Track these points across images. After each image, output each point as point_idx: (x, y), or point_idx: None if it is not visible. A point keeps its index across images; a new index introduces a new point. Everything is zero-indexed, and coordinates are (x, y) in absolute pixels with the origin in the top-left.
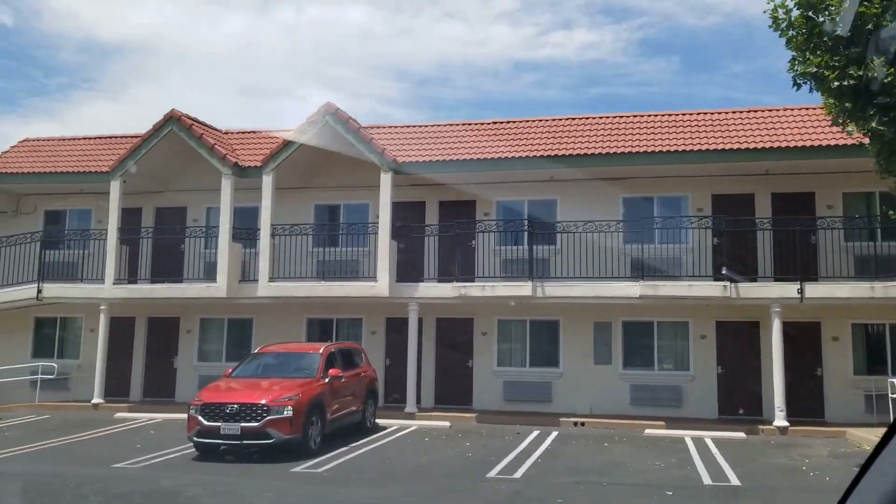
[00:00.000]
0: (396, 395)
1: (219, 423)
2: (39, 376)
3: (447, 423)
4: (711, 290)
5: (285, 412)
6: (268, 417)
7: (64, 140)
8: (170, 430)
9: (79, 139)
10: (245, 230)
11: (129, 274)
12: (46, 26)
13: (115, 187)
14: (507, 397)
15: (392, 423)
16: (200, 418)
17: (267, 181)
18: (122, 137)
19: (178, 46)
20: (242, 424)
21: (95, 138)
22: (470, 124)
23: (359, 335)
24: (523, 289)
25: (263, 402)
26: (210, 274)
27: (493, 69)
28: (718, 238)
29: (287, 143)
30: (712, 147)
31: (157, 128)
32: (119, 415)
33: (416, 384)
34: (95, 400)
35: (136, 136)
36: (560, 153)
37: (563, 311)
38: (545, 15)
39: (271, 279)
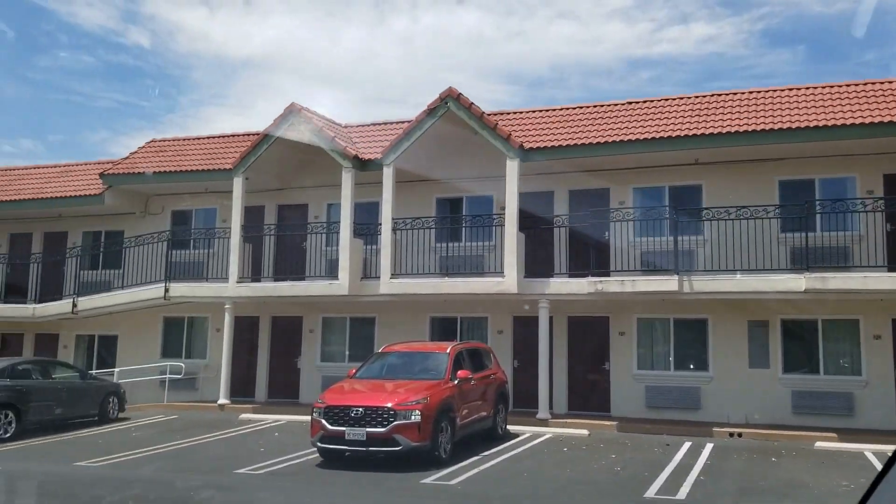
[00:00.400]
0: (526, 399)
1: (343, 428)
2: (168, 376)
3: (585, 432)
4: (890, 283)
5: (413, 417)
6: (394, 422)
7: (188, 140)
8: (293, 433)
9: (203, 138)
10: (366, 225)
11: (253, 272)
12: (180, 47)
13: (237, 184)
14: (649, 403)
15: (524, 431)
16: (324, 422)
17: (387, 173)
18: (244, 135)
19: (299, 61)
20: (368, 430)
21: (218, 137)
22: (601, 105)
23: (484, 335)
24: (668, 283)
25: (389, 405)
26: (332, 272)
27: (607, 68)
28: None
29: (408, 133)
30: (886, 119)
31: (278, 122)
32: (244, 416)
33: (548, 388)
34: (221, 401)
35: (259, 134)
36: (708, 132)
37: (712, 309)
38: (661, 10)
39: (393, 275)
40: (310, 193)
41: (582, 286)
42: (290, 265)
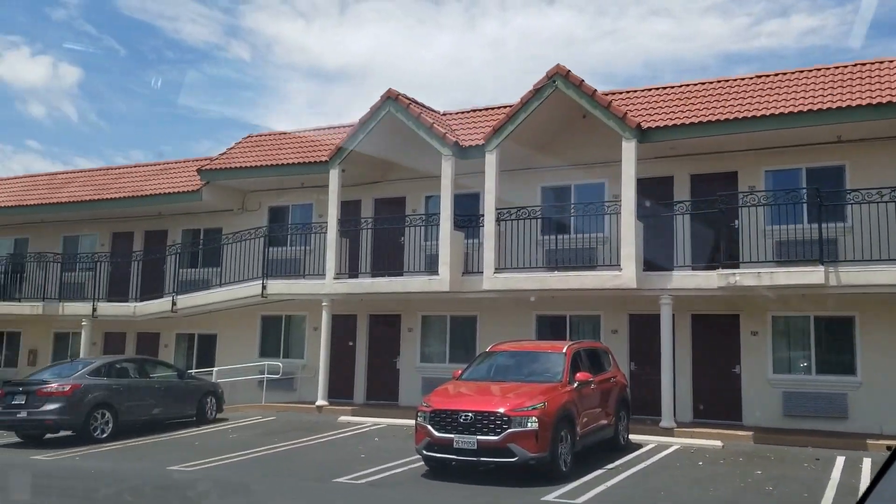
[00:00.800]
0: (645, 405)
1: (451, 435)
2: (266, 376)
3: (718, 443)
4: None
5: (529, 424)
6: (509, 430)
7: (285, 134)
8: (395, 438)
9: (299, 132)
10: (466, 217)
11: (350, 268)
12: (278, 59)
13: (334, 176)
14: (786, 411)
15: (647, 441)
16: (430, 428)
17: (490, 160)
18: (340, 128)
19: (391, 68)
20: (479, 437)
21: (314, 130)
22: (726, 80)
23: (596, 335)
24: (812, 275)
25: (502, 410)
26: (431, 267)
27: (702, 64)
28: None
29: (513, 116)
30: None
31: (375, 110)
32: (343, 418)
33: (671, 393)
34: (319, 402)
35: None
36: (855, 104)
37: (859, 304)
38: (759, 4)
39: (497, 270)
40: (407, 185)
41: (710, 280)
42: (388, 261)
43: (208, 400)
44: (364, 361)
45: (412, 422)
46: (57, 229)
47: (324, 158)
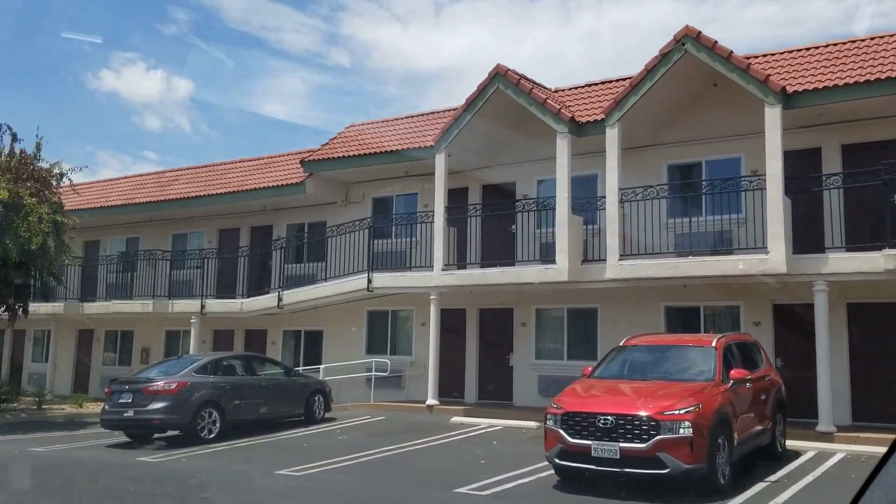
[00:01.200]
0: (794, 407)
1: (588, 442)
2: (373, 374)
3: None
4: None
5: (682, 430)
6: (658, 437)
7: (387, 121)
8: (514, 442)
9: (401, 118)
10: (584, 199)
11: (458, 259)
12: (376, 64)
13: (440, 161)
14: None
15: (804, 448)
16: (563, 433)
17: (611, 135)
18: (445, 112)
19: (486, 67)
20: (622, 445)
21: (418, 116)
22: (882, 37)
23: (735, 328)
24: None
25: (649, 414)
26: (546, 255)
27: None
28: None
29: (636, 86)
30: None
31: (482, 88)
32: (455, 419)
33: (829, 393)
34: (430, 401)
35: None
36: None
37: None
38: None
39: (622, 256)
40: (517, 170)
41: (874, 262)
42: (498, 251)
43: (316, 399)
44: (475, 358)
45: (530, 424)
46: (165, 228)
47: (429, 143)
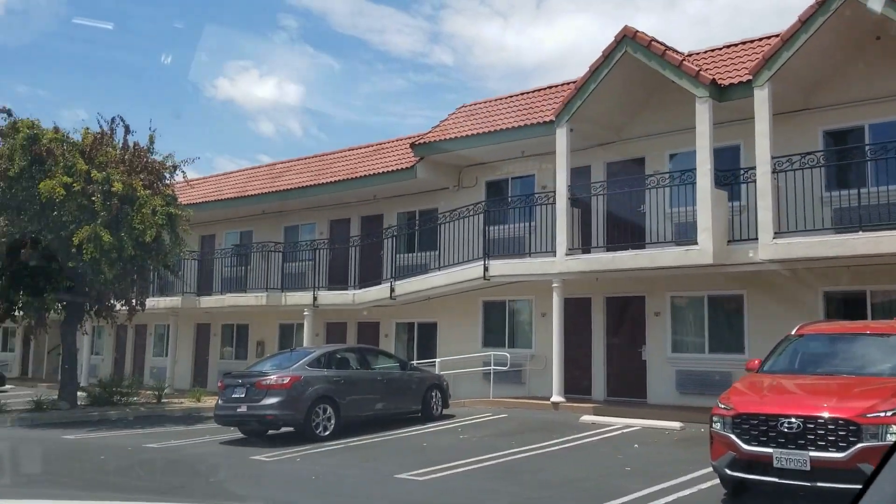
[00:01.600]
0: None
1: (769, 450)
2: (492, 368)
3: None
4: None
5: (889, 436)
6: (860, 444)
7: (501, 99)
8: (657, 445)
9: (515, 95)
10: (729, 171)
11: (582, 243)
12: (478, 60)
13: (561, 137)
14: None
15: None
16: (735, 439)
17: (760, 97)
18: (564, 85)
19: (591, 56)
20: (812, 454)
21: (534, 92)
22: None
23: None
24: None
25: (846, 416)
26: (681, 237)
27: None
28: None
29: (789, 40)
30: None
31: (608, 53)
32: (585, 418)
33: None
34: (555, 398)
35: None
36: None
37: None
38: None
39: (777, 234)
40: (646, 144)
41: None
42: (625, 233)
43: (433, 394)
44: (602, 352)
45: (673, 424)
46: (278, 220)
47: (548, 118)
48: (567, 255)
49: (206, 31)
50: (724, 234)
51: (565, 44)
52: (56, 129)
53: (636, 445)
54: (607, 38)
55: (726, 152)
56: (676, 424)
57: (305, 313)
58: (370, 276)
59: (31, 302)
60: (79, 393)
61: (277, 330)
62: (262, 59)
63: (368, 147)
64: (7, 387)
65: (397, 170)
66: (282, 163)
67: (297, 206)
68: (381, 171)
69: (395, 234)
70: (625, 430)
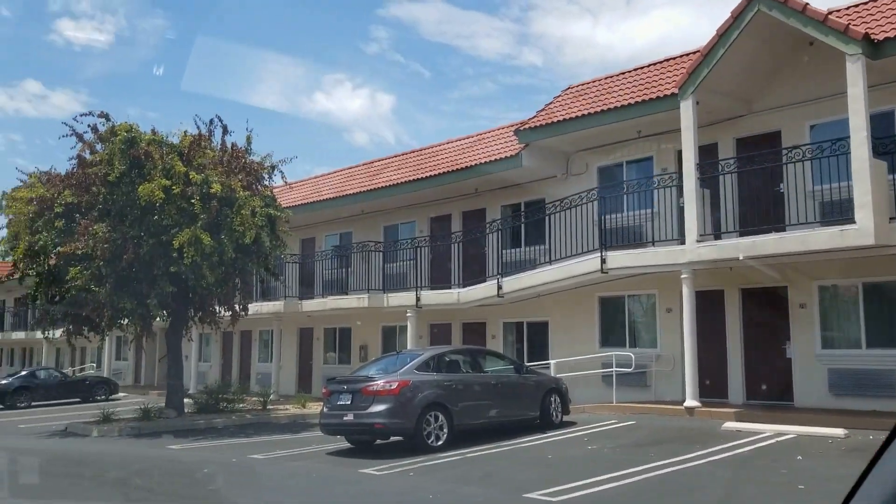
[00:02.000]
0: None
1: None
2: (614, 370)
3: None
4: None
5: None
6: None
7: (611, 77)
8: (823, 457)
9: (627, 72)
10: (887, 138)
11: (712, 228)
12: (568, 59)
13: (686, 109)
14: None
15: None
16: None
17: None
18: (681, 57)
19: (684, 48)
20: None
21: (648, 66)
22: None
23: None
24: None
25: None
26: (828, 216)
27: None
28: None
29: None
30: None
31: (738, 13)
32: (728, 425)
33: None
34: (688, 402)
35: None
36: None
37: None
38: None
39: None
40: (782, 116)
41: None
42: (760, 216)
43: (552, 399)
44: (739, 350)
45: (836, 431)
46: (376, 220)
47: (668, 92)
48: (698, 241)
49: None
50: (885, 211)
51: (657, 37)
52: (154, 132)
53: (799, 457)
54: (701, 28)
55: (879, 119)
56: (839, 431)
57: (408, 314)
58: (473, 275)
59: (135, 309)
60: (186, 400)
61: (380, 333)
62: (356, 70)
63: (469, 138)
64: (120, 395)
65: (501, 158)
66: (379, 160)
67: (395, 203)
68: (483, 160)
69: (500, 227)
70: (779, 439)
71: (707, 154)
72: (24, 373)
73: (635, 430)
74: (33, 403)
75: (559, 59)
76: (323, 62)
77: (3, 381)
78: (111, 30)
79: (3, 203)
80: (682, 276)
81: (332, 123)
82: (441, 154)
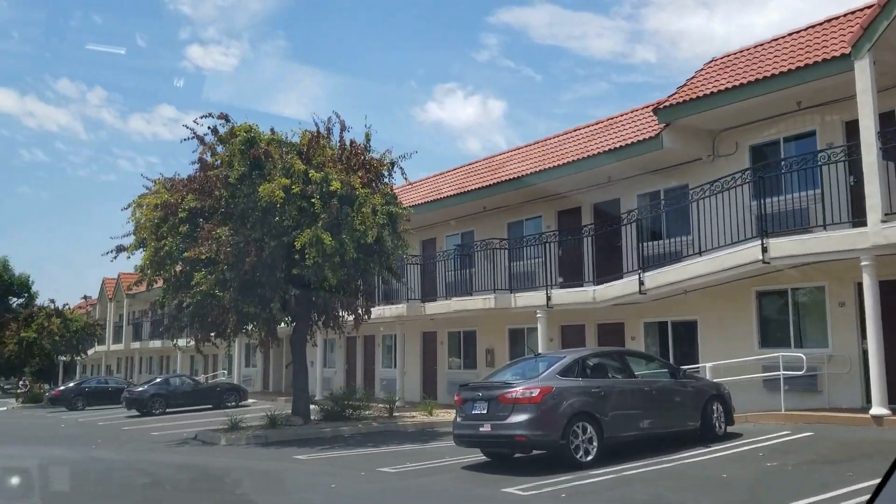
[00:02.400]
0: None
1: None
2: (781, 373)
3: None
4: None
5: None
6: None
7: (760, 46)
8: None
9: (780, 38)
10: None
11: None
12: (683, 53)
13: (862, 70)
14: None
15: None
16: None
17: None
18: (845, 16)
19: None
20: None
21: (806, 29)
22: None
23: None
24: None
25: None
26: None
27: None
28: None
29: None
30: None
31: None
32: None
33: None
34: (876, 410)
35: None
36: None
37: None
38: None
39: None
40: None
41: None
42: None
43: (714, 407)
44: None
45: None
46: (499, 217)
47: (838, 52)
48: (884, 221)
49: (416, 58)
50: None
51: (776, 25)
52: (272, 131)
53: None
54: (824, 11)
55: None
56: None
57: (538, 315)
58: (607, 271)
59: (259, 313)
60: (312, 407)
61: (506, 336)
62: (467, 79)
63: (598, 124)
64: (249, 401)
65: (639, 141)
66: (501, 154)
67: (519, 198)
68: (618, 145)
69: (638, 217)
70: None
71: (886, 122)
72: (158, 380)
73: (816, 444)
74: (167, 410)
75: (674, 54)
76: (436, 72)
77: (139, 389)
78: (237, 53)
79: (133, 211)
80: (863, 264)
81: (445, 131)
82: (568, 142)
